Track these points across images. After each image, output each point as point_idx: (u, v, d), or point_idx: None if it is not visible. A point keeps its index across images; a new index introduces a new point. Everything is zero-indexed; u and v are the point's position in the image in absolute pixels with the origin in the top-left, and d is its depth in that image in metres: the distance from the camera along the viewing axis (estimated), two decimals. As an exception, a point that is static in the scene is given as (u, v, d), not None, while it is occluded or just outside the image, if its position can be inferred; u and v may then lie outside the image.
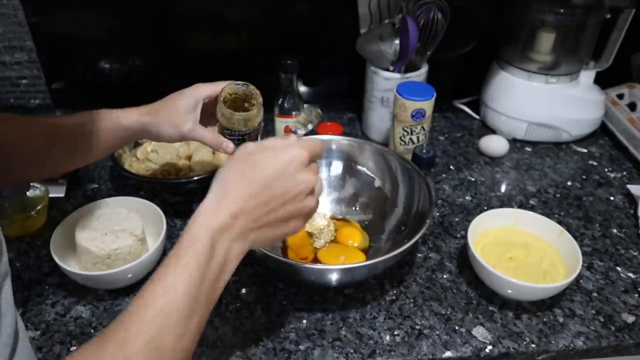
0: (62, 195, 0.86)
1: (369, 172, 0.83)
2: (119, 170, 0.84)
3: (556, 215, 0.86)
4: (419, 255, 0.77)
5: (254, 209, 0.48)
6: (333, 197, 0.84)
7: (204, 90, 0.69)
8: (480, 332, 0.66)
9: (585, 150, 1.04)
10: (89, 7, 0.99)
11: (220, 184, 0.49)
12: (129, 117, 0.66)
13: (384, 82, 0.95)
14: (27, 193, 0.80)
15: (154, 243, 0.72)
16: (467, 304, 0.70)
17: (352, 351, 0.63)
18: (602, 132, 1.08)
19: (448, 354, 0.63)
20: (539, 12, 0.97)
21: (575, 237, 0.72)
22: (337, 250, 0.76)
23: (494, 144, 1.00)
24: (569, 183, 0.95)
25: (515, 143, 1.05)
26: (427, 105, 0.86)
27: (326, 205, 0.84)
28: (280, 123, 0.94)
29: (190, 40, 1.05)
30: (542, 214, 0.77)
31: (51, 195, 0.81)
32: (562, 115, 1.00)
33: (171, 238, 0.78)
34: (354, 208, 0.84)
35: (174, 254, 0.45)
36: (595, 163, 1.00)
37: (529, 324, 0.67)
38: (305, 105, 0.95)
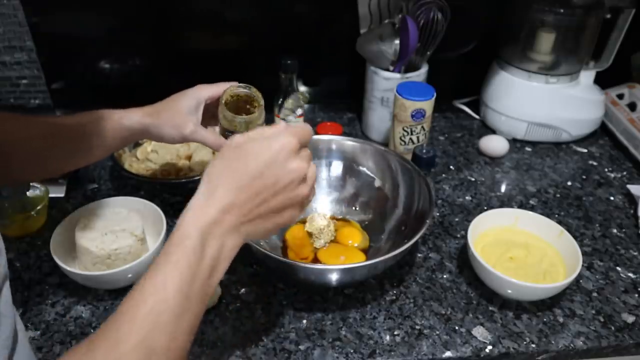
0: (62, 195, 0.86)
1: (369, 172, 0.83)
2: (119, 170, 0.84)
3: (556, 215, 0.86)
4: (419, 255, 0.77)
5: (245, 202, 0.47)
6: (333, 197, 0.84)
7: (205, 92, 0.69)
8: (480, 332, 0.66)
9: (585, 150, 1.04)
10: (89, 7, 0.99)
11: (209, 179, 0.48)
12: (131, 117, 0.66)
13: (384, 82, 0.95)
14: (27, 193, 0.80)
15: (154, 243, 0.73)
16: (467, 304, 0.70)
17: (352, 351, 0.63)
18: (602, 132, 1.08)
19: (448, 354, 0.63)
20: (539, 12, 0.97)
21: (575, 237, 0.72)
22: (337, 250, 0.76)
23: (494, 144, 1.00)
24: (569, 183, 0.95)
25: (515, 143, 1.05)
26: (427, 105, 0.87)
27: (326, 205, 0.84)
28: (281, 123, 0.94)
29: (190, 40, 1.05)
30: (542, 214, 0.77)
31: (51, 195, 0.81)
32: (562, 115, 1.00)
33: (171, 238, 0.78)
34: (354, 208, 0.84)
35: (164, 252, 0.44)
36: (595, 163, 1.00)
37: (529, 324, 0.67)
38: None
